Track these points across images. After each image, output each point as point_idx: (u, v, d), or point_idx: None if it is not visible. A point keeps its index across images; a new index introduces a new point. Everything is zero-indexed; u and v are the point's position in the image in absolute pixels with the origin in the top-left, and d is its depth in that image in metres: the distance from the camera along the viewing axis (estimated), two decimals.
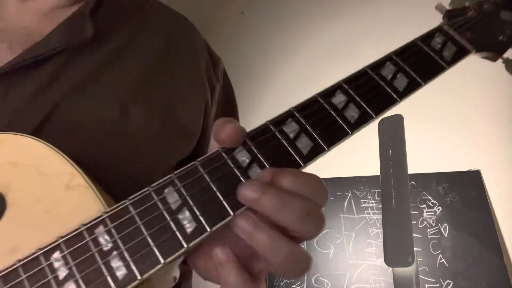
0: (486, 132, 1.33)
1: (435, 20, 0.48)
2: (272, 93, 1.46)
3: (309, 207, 0.32)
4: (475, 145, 1.32)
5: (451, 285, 1.17)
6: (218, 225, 0.32)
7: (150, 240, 0.32)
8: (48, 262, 0.31)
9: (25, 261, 0.31)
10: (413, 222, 1.20)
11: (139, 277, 0.31)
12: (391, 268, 0.62)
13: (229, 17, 1.49)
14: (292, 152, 0.36)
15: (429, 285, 1.18)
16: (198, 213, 0.32)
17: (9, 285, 0.30)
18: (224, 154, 0.34)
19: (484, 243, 1.19)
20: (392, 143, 0.73)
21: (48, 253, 0.31)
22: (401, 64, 0.40)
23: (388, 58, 0.41)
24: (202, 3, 1.52)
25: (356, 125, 0.37)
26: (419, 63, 0.41)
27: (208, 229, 0.32)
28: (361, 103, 0.38)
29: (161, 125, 0.50)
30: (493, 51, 0.47)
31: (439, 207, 1.26)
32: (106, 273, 0.31)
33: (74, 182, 0.35)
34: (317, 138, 0.37)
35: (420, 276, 1.19)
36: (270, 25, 1.46)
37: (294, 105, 0.37)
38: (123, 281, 0.31)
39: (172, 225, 0.32)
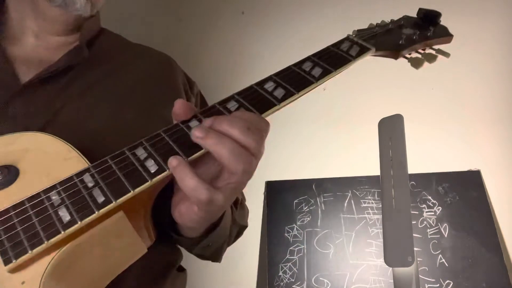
0: (486, 132, 1.33)
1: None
2: None
3: (247, 124, 0.44)
4: (475, 145, 1.32)
5: (451, 285, 1.16)
6: None
7: (123, 178, 0.44)
8: (46, 196, 0.44)
9: (29, 196, 0.44)
10: (413, 222, 1.20)
11: (113, 201, 0.42)
12: (391, 268, 0.62)
13: (229, 17, 1.49)
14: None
15: (429, 285, 1.18)
16: (159, 159, 0.45)
17: (15, 211, 0.43)
18: (180, 124, 0.48)
19: (484, 243, 1.19)
20: (392, 143, 0.73)
21: (46, 191, 0.44)
22: (317, 61, 0.54)
23: (307, 58, 0.55)
24: (202, 3, 1.52)
25: (283, 99, 0.51)
26: (331, 59, 0.54)
27: (166, 169, 0.44)
28: (286, 85, 0.51)
29: (149, 122, 0.61)
30: (391, 50, 0.59)
31: (439, 207, 1.26)
32: (89, 199, 0.43)
33: (69, 155, 0.49)
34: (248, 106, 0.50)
35: (420, 276, 1.19)
36: (270, 25, 1.46)
37: (236, 92, 0.51)
38: (101, 205, 0.42)
39: (140, 168, 0.44)
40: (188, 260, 0.75)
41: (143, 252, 0.49)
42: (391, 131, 0.74)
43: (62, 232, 0.41)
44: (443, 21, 0.64)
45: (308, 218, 1.34)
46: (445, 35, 0.64)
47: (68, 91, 0.64)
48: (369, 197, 1.33)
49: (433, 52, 0.63)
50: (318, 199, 1.36)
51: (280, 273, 1.29)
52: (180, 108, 0.48)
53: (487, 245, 1.18)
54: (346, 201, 1.34)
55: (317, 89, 0.51)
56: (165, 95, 0.70)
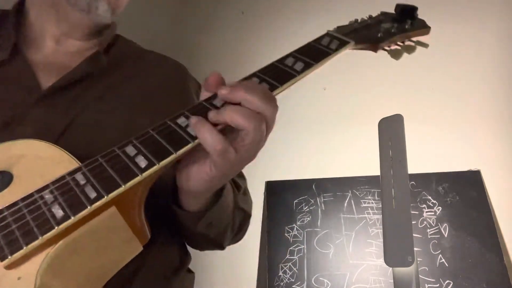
0: (486, 132, 1.33)
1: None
2: None
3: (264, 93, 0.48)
4: (475, 145, 1.32)
5: (451, 285, 1.17)
6: (165, 160, 0.46)
7: (114, 174, 0.45)
8: (39, 195, 0.45)
9: (23, 197, 0.45)
10: (413, 222, 1.20)
11: (105, 196, 0.44)
12: (391, 268, 0.62)
13: (229, 17, 1.49)
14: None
15: (429, 285, 1.18)
16: (149, 155, 0.46)
17: (9, 211, 0.44)
18: (167, 121, 0.49)
19: (484, 243, 1.19)
20: (392, 143, 0.73)
21: (39, 191, 0.45)
22: (299, 56, 0.56)
23: (289, 54, 0.57)
24: (203, 3, 1.52)
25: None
26: (311, 54, 0.57)
27: (156, 163, 0.45)
28: (269, 80, 0.53)
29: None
30: (370, 43, 0.62)
31: (439, 207, 1.26)
32: (81, 195, 0.44)
33: (62, 158, 0.50)
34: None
35: (420, 276, 1.19)
36: (270, 25, 1.46)
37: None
38: (94, 200, 0.43)
39: (130, 164, 0.46)
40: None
41: (138, 249, 0.50)
42: (391, 131, 0.74)
43: (56, 228, 0.42)
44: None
45: (308, 218, 1.35)
46: (423, 27, 0.66)
47: (85, 97, 0.66)
48: (369, 197, 1.33)
49: (412, 44, 0.66)
50: (318, 199, 1.36)
51: (280, 273, 1.29)
52: (214, 80, 0.51)
53: (487, 245, 1.18)
54: (346, 201, 1.34)
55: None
56: (179, 102, 0.70)
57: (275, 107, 0.49)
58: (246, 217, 0.76)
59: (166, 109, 0.65)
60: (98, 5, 0.68)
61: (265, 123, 0.48)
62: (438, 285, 1.17)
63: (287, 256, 1.30)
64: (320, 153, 1.41)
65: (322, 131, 1.42)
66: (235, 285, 1.39)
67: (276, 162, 1.44)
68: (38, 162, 0.50)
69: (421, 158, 1.26)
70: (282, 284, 1.27)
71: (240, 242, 0.80)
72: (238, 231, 0.75)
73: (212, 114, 0.48)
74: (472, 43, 1.33)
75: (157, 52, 0.82)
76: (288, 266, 1.29)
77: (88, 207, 0.43)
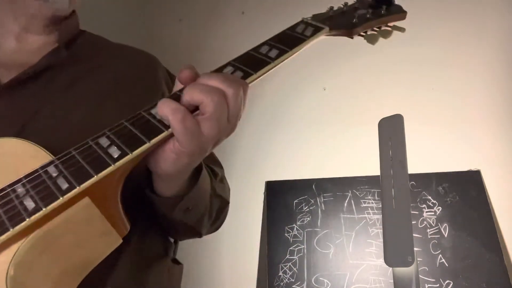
0: (486, 132, 1.33)
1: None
2: (271, 92, 1.46)
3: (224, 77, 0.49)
4: (475, 145, 1.32)
5: (451, 285, 1.17)
6: (139, 149, 0.46)
7: (86, 165, 0.45)
8: (11, 188, 0.45)
9: None
10: (413, 222, 1.20)
11: (77, 186, 0.44)
12: (391, 268, 0.62)
13: (229, 17, 1.49)
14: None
15: (429, 285, 1.18)
16: (122, 145, 0.46)
17: None
18: (142, 112, 0.49)
19: (484, 243, 1.19)
20: (392, 143, 0.73)
21: (11, 185, 0.45)
22: (274, 44, 0.57)
23: (264, 43, 0.58)
24: (202, 3, 1.52)
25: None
26: (286, 41, 0.57)
27: (129, 153, 0.45)
28: (244, 68, 0.54)
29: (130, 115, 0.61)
30: (345, 29, 0.62)
31: (439, 207, 1.26)
32: (53, 187, 0.44)
33: (38, 154, 0.50)
34: None
35: (420, 276, 1.19)
36: (270, 25, 1.46)
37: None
38: (65, 191, 0.43)
39: (103, 155, 0.46)
40: (189, 260, 0.75)
41: (118, 242, 0.50)
42: (391, 131, 0.74)
43: (27, 219, 0.42)
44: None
45: (308, 218, 1.35)
46: (399, 12, 0.66)
47: (46, 92, 0.65)
48: (369, 197, 1.33)
49: (389, 29, 0.66)
50: (318, 199, 1.36)
51: (280, 273, 1.29)
52: (187, 74, 0.51)
53: (487, 245, 1.18)
54: (346, 201, 1.34)
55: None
56: (146, 93, 0.71)
57: (237, 87, 0.49)
58: (223, 204, 0.75)
59: (132, 100, 0.64)
60: None
61: (225, 99, 0.47)
62: (438, 285, 1.17)
63: (287, 256, 1.30)
64: (320, 153, 1.41)
65: (322, 131, 1.42)
66: (235, 285, 1.39)
67: (276, 162, 1.44)
68: (13, 159, 0.50)
69: (421, 158, 1.26)
70: (282, 284, 1.27)
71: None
72: (216, 219, 0.74)
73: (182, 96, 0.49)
74: (472, 43, 1.33)
75: (129, 45, 0.80)
76: (288, 266, 1.29)
77: (60, 198, 0.43)
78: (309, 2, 1.46)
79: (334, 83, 1.41)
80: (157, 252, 0.68)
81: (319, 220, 1.34)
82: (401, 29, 0.65)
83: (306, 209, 1.36)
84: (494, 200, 1.26)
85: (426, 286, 1.18)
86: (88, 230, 0.47)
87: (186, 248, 0.76)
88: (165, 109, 0.46)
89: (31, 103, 0.63)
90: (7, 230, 0.41)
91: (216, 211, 0.72)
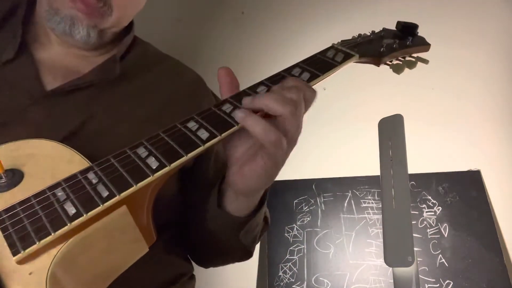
0: (486, 132, 1.33)
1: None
2: None
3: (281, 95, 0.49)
4: (475, 145, 1.32)
5: (451, 285, 1.17)
6: (176, 162, 0.47)
7: (125, 174, 0.46)
8: (51, 192, 0.45)
9: (35, 193, 0.45)
10: (413, 222, 1.20)
11: (117, 195, 0.44)
12: (391, 268, 0.62)
13: (229, 17, 1.49)
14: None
15: (429, 285, 1.18)
16: (160, 156, 0.47)
17: (22, 207, 0.44)
18: (178, 125, 0.50)
19: (484, 243, 1.19)
20: (392, 143, 0.73)
21: (51, 188, 0.46)
22: (305, 67, 0.58)
23: (296, 65, 0.59)
24: (202, 3, 1.52)
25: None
26: (317, 65, 0.58)
27: (167, 165, 0.46)
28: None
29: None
30: (374, 57, 0.64)
31: (439, 207, 1.26)
32: (93, 194, 0.44)
33: (73, 159, 0.51)
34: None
35: (420, 276, 1.19)
36: (270, 25, 1.46)
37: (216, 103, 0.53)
38: (106, 198, 0.44)
39: (142, 164, 0.47)
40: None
41: (144, 250, 0.50)
42: (391, 131, 0.75)
43: (68, 224, 0.42)
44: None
45: (308, 218, 1.35)
46: (423, 44, 0.69)
47: (92, 106, 0.63)
48: (369, 197, 1.33)
49: (413, 59, 0.69)
50: (318, 199, 1.36)
51: (280, 273, 1.29)
52: (225, 75, 0.53)
53: (487, 245, 1.18)
54: (346, 201, 1.34)
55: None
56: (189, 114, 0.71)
57: (312, 98, 0.51)
58: (265, 226, 0.74)
59: (173, 118, 0.61)
60: (73, 31, 0.63)
61: (300, 110, 0.49)
62: (438, 285, 1.17)
63: (287, 256, 1.30)
64: (320, 153, 1.41)
65: (322, 131, 1.42)
66: (235, 285, 1.39)
67: None
68: (49, 161, 0.51)
69: (421, 158, 1.26)
70: (282, 284, 1.27)
71: None
72: (259, 238, 0.74)
73: (247, 101, 0.49)
74: (472, 43, 1.33)
75: (175, 58, 0.78)
76: (288, 266, 1.29)
77: (101, 205, 0.44)
78: (309, 2, 1.46)
79: (334, 83, 1.41)
80: (177, 273, 0.68)
81: (319, 220, 1.34)
82: (425, 61, 0.67)
83: (306, 209, 1.36)
84: (494, 200, 1.26)
85: (426, 286, 1.18)
86: (120, 237, 0.48)
87: None
88: (258, 127, 0.46)
89: (73, 117, 0.61)
90: (48, 234, 0.42)
91: (260, 232, 0.72)
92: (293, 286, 1.26)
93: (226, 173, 0.55)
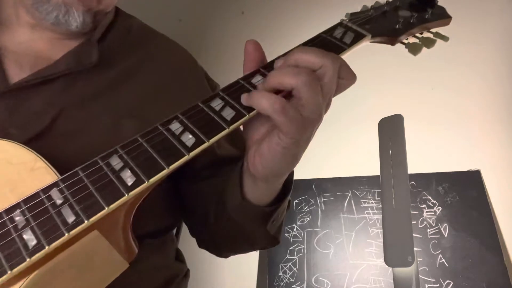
0: (486, 132, 1.33)
1: None
2: None
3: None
4: (475, 145, 1.32)
5: (451, 285, 1.17)
6: (156, 177, 0.39)
7: (95, 193, 0.39)
8: (8, 216, 0.38)
9: None
10: (413, 222, 1.19)
11: (86, 221, 0.38)
12: (391, 268, 0.62)
13: (229, 17, 1.49)
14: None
15: (429, 285, 1.18)
16: (137, 169, 0.40)
17: None
18: (159, 127, 0.43)
19: (484, 243, 1.19)
20: (392, 143, 0.73)
21: (8, 211, 0.39)
22: None
23: (297, 47, 0.49)
24: (202, 3, 1.52)
25: None
26: (323, 48, 0.46)
27: (145, 181, 0.39)
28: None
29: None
30: (388, 36, 0.54)
31: (439, 207, 1.26)
32: (57, 219, 0.38)
33: (37, 166, 0.43)
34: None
35: (420, 276, 1.19)
36: (270, 25, 1.46)
37: (220, 88, 0.47)
38: (72, 226, 0.37)
39: (115, 180, 0.39)
40: (189, 260, 0.75)
41: (124, 267, 0.45)
42: (391, 131, 0.75)
43: (28, 259, 0.36)
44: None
45: (308, 218, 1.34)
46: (444, 17, 0.59)
47: (65, 98, 0.55)
48: (369, 197, 1.33)
49: (431, 36, 0.58)
50: (318, 199, 1.36)
51: (280, 273, 1.29)
52: (253, 50, 0.48)
53: (487, 245, 1.18)
54: (346, 201, 1.34)
55: None
56: (179, 106, 0.60)
57: (332, 62, 0.42)
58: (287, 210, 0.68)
59: (161, 110, 0.53)
60: (69, 20, 0.56)
61: (316, 77, 0.42)
62: (438, 285, 1.17)
63: (287, 256, 1.30)
64: (320, 153, 1.41)
65: (322, 131, 1.41)
66: (235, 285, 1.39)
67: None
68: (8, 169, 0.43)
69: (421, 158, 1.26)
70: (282, 284, 1.27)
71: None
72: (283, 226, 0.67)
73: (260, 85, 0.44)
74: (472, 43, 1.33)
75: (164, 35, 0.71)
76: (288, 266, 1.29)
77: (66, 234, 0.37)
78: (309, 2, 1.46)
79: None
80: (170, 275, 0.65)
81: (319, 220, 1.34)
82: (445, 38, 0.58)
83: (306, 209, 1.36)
84: (494, 200, 1.26)
85: (426, 286, 1.18)
86: (94, 259, 0.42)
87: (186, 248, 0.76)
88: (260, 98, 0.41)
89: (44, 112, 0.53)
90: (4, 272, 0.36)
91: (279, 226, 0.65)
92: (293, 286, 1.26)
93: (245, 158, 0.49)
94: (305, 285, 1.26)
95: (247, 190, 0.52)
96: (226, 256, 0.71)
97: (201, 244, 0.70)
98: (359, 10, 0.58)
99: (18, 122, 0.52)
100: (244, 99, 0.43)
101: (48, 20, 0.56)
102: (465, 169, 1.29)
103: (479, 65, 1.34)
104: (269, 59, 0.52)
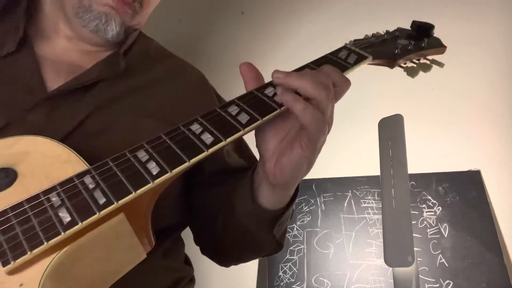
0: (486, 132, 1.33)
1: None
2: None
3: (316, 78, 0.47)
4: (475, 145, 1.32)
5: (451, 285, 1.17)
6: (178, 168, 0.44)
7: (124, 180, 0.43)
8: (45, 197, 0.43)
9: (28, 197, 0.43)
10: (413, 222, 1.19)
11: (115, 202, 0.42)
12: (391, 268, 0.62)
13: (229, 17, 1.49)
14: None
15: (429, 285, 1.18)
16: (161, 161, 0.45)
17: (14, 212, 0.42)
18: (181, 127, 0.48)
19: (484, 243, 1.19)
20: (392, 143, 0.73)
21: (45, 192, 0.43)
22: (316, 68, 0.54)
23: (306, 65, 0.57)
24: (203, 3, 1.52)
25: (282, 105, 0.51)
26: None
27: (168, 171, 0.44)
28: None
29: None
30: (388, 59, 0.61)
31: (439, 207, 1.26)
32: (90, 200, 0.42)
33: (69, 159, 0.48)
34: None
35: (420, 276, 1.19)
36: (270, 25, 1.46)
37: (236, 97, 0.52)
38: (102, 206, 0.42)
39: (142, 169, 0.44)
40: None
41: (142, 257, 0.49)
42: (391, 131, 0.75)
43: (63, 233, 0.40)
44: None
45: (308, 218, 1.35)
46: (439, 46, 0.67)
47: (93, 102, 0.61)
48: (369, 197, 1.33)
49: (428, 62, 0.66)
50: (318, 199, 1.36)
51: (280, 273, 1.29)
52: (248, 70, 0.53)
53: (487, 245, 1.18)
54: (346, 201, 1.34)
55: None
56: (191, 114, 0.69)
57: (346, 86, 0.50)
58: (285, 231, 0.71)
59: (178, 119, 0.58)
60: (107, 28, 0.63)
61: (332, 94, 0.48)
62: (438, 285, 1.17)
63: (287, 256, 1.30)
64: (320, 153, 1.41)
65: None
66: (235, 285, 1.39)
67: None
68: (44, 161, 0.48)
69: (421, 158, 1.26)
70: (282, 284, 1.27)
71: None
72: (286, 231, 0.71)
73: (280, 79, 0.49)
74: (472, 42, 1.33)
75: (179, 57, 0.78)
76: (288, 266, 1.29)
77: (97, 213, 0.41)
78: (309, 2, 1.46)
79: None
80: (176, 278, 0.67)
81: (319, 220, 1.34)
82: (440, 64, 0.65)
83: (306, 209, 1.36)
84: (494, 200, 1.26)
85: (426, 286, 1.18)
86: (117, 244, 0.46)
87: (186, 248, 0.76)
88: (297, 104, 0.45)
89: (75, 114, 0.59)
90: (41, 243, 0.40)
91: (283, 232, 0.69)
92: (293, 286, 1.26)
93: (259, 167, 0.53)
94: (305, 285, 1.26)
95: (262, 198, 0.56)
96: (228, 265, 0.74)
97: (205, 252, 0.73)
98: (362, 37, 0.65)
99: (51, 125, 0.57)
100: (284, 99, 0.47)
101: (89, 27, 0.63)
102: (465, 169, 1.29)
103: (479, 65, 1.34)
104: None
